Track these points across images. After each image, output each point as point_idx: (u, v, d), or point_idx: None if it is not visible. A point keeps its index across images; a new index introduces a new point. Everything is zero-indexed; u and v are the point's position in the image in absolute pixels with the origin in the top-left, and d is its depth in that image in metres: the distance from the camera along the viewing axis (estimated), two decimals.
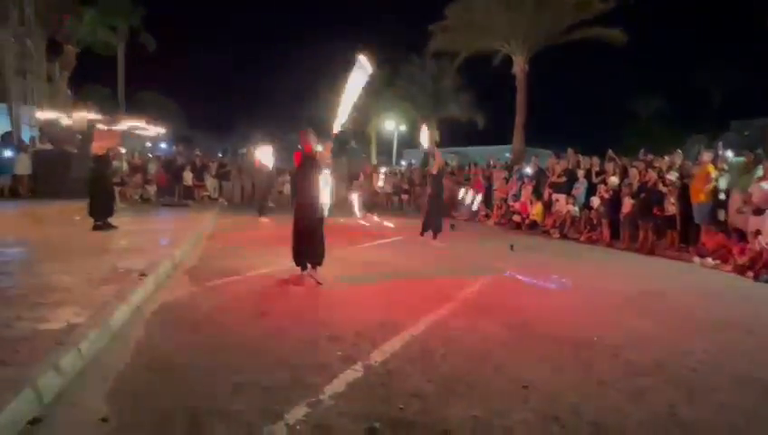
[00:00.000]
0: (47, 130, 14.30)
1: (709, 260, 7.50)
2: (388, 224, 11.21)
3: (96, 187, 7.84)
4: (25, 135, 14.02)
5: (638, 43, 16.72)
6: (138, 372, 2.84)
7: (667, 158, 9.68)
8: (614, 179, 9.73)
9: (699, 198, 8.05)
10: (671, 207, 8.54)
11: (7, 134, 13.17)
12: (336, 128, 5.33)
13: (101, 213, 7.79)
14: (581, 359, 3.33)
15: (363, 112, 25.42)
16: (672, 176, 8.69)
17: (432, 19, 19.20)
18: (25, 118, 14.21)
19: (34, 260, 5.47)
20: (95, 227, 7.64)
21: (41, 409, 2.30)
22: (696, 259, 7.75)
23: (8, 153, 12.03)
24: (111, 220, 7.87)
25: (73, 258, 5.50)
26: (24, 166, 12.21)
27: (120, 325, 3.53)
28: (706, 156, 8.28)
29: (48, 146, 13.19)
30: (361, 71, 5.12)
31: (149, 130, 13.12)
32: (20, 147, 12.81)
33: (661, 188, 8.73)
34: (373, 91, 27.16)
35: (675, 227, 8.68)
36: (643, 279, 6.53)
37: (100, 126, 8.99)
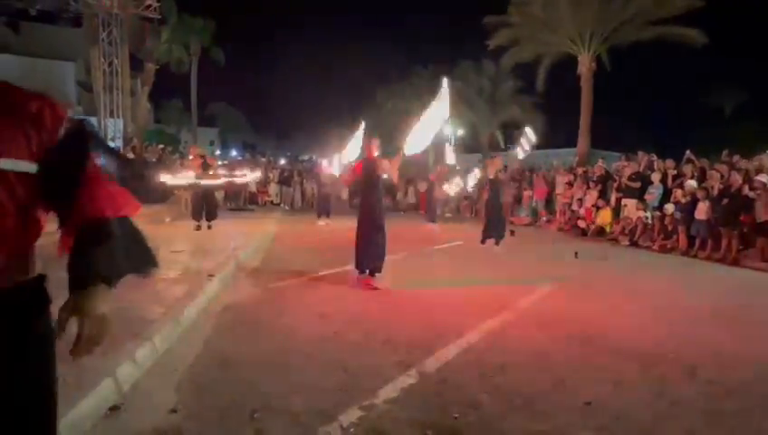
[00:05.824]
0: (131, 141, 15.64)
1: None
2: (448, 229, 11.08)
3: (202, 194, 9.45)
4: (112, 145, 15.40)
5: (718, 34, 15.17)
6: (204, 367, 3.01)
7: (756, 159, 8.78)
8: (692, 183, 8.98)
9: None
10: (762, 213, 7.73)
11: None
12: (407, 150, 5.32)
13: (205, 215, 9.24)
14: (652, 377, 3.09)
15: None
16: (763, 178, 7.87)
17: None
18: (112, 130, 15.58)
19: None
20: (197, 228, 9.03)
21: (119, 397, 2.50)
22: None
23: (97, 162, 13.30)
24: (213, 223, 9.38)
25: None
26: None
27: (190, 322, 3.77)
28: None
29: (131, 155, 14.41)
30: (443, 100, 5.15)
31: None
32: None
33: (748, 192, 7.94)
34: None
35: (766, 236, 7.84)
36: (726, 292, 5.95)
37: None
